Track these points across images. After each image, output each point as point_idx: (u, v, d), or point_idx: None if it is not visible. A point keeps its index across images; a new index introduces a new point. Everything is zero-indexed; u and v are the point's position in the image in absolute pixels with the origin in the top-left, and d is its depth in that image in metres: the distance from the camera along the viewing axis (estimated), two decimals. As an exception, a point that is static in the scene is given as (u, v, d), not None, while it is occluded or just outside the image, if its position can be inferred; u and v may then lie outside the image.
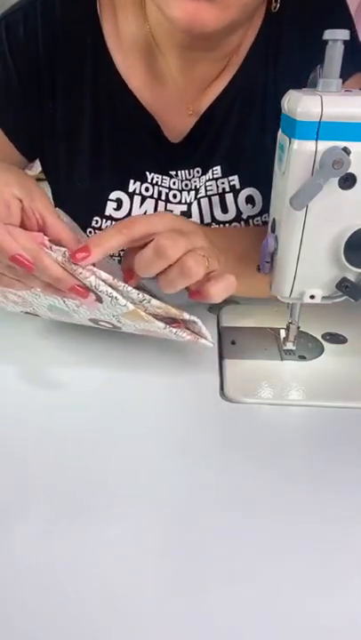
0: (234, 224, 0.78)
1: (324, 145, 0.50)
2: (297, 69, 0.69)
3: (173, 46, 0.71)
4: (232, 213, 0.78)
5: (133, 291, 0.54)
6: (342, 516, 0.45)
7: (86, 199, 0.78)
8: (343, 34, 0.50)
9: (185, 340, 0.58)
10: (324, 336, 0.67)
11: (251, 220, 0.79)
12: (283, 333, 0.65)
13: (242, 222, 0.79)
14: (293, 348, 0.64)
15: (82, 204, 0.78)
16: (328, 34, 0.50)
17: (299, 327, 0.63)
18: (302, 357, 0.63)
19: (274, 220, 0.58)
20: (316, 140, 0.50)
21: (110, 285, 0.53)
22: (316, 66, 0.52)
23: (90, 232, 0.79)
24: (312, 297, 0.57)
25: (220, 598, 0.38)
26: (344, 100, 0.50)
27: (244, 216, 0.79)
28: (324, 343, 0.65)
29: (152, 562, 0.41)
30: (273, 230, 0.58)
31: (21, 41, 0.72)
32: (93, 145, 0.76)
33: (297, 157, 0.51)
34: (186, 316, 0.57)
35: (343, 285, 0.56)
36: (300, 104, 0.50)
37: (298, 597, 0.38)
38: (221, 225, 0.79)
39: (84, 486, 0.47)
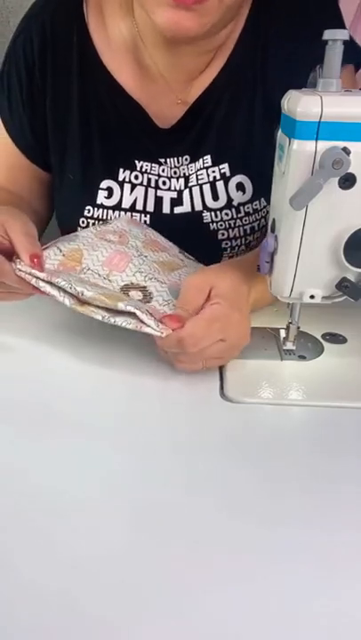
0: (225, 211, 0.80)
1: (323, 145, 0.50)
2: (285, 60, 0.74)
3: (160, 43, 0.74)
4: (223, 200, 0.80)
5: (67, 284, 0.59)
6: (343, 515, 0.45)
7: (78, 189, 0.81)
8: (343, 34, 0.50)
9: (130, 327, 0.57)
10: (324, 336, 0.67)
11: (242, 207, 0.80)
12: (283, 333, 0.65)
13: (232, 209, 0.80)
14: (293, 347, 0.64)
15: (74, 195, 0.81)
16: (328, 34, 0.50)
17: (299, 327, 0.63)
18: (302, 357, 0.63)
19: (274, 219, 0.58)
20: (316, 140, 0.50)
21: (49, 283, 0.60)
22: (316, 65, 0.52)
23: (82, 221, 0.81)
24: (312, 297, 0.57)
25: (219, 598, 0.38)
26: (344, 100, 0.50)
27: (235, 203, 0.80)
28: (324, 343, 0.65)
29: (151, 561, 0.41)
30: (273, 230, 0.58)
31: (22, 65, 0.78)
32: (83, 137, 0.79)
33: (297, 157, 0.51)
34: (121, 306, 0.57)
35: (343, 285, 0.56)
36: (300, 104, 0.50)
37: (297, 596, 0.38)
38: (213, 212, 0.80)
39: (82, 485, 0.47)
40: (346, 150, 0.49)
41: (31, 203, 0.84)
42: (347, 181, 0.51)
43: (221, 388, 0.59)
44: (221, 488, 0.47)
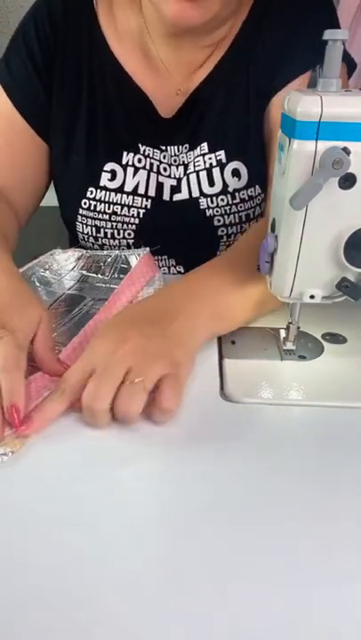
0: (221, 197, 0.82)
1: (324, 145, 0.50)
2: (275, 53, 0.78)
3: (164, 34, 0.78)
4: (218, 186, 0.82)
5: None
6: (342, 515, 0.45)
7: (82, 171, 0.83)
8: (343, 34, 0.50)
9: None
10: (324, 336, 0.66)
11: (237, 194, 0.82)
12: (283, 333, 0.65)
13: (228, 195, 0.82)
14: (293, 347, 0.64)
15: (78, 177, 0.83)
16: (328, 34, 0.50)
17: (299, 327, 0.63)
18: (302, 357, 0.63)
19: (274, 219, 0.58)
20: (316, 140, 0.50)
21: None
22: (316, 65, 0.52)
23: (85, 202, 0.83)
24: (312, 297, 0.57)
25: (219, 598, 0.38)
26: (344, 100, 0.50)
27: (230, 189, 0.82)
28: (325, 343, 0.65)
29: (151, 560, 0.41)
30: (273, 230, 0.58)
31: (34, 40, 0.81)
32: (89, 120, 0.82)
33: (297, 157, 0.51)
34: None
35: (343, 285, 0.56)
36: (300, 104, 0.50)
37: (297, 596, 0.38)
38: (209, 198, 0.82)
39: (80, 484, 0.47)
40: (346, 150, 0.49)
41: (19, 192, 0.85)
42: (347, 181, 0.51)
43: (221, 388, 0.59)
44: (221, 488, 0.47)
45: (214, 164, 0.81)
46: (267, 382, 0.59)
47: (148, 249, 0.78)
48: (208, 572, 0.40)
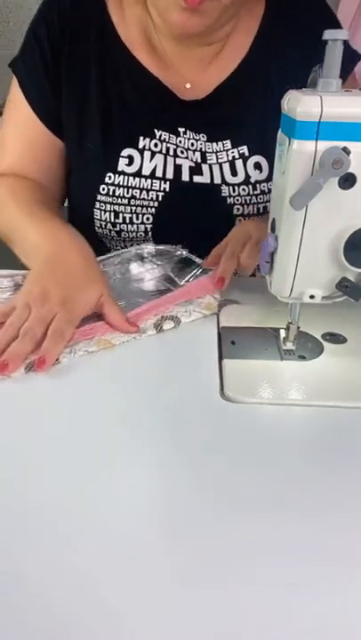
0: (242, 186, 0.84)
1: (323, 145, 0.50)
2: (304, 54, 0.78)
3: (168, 33, 0.80)
4: (241, 177, 0.84)
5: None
6: (342, 515, 0.45)
7: (99, 158, 0.84)
8: (343, 34, 0.50)
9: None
10: (324, 336, 0.66)
11: (258, 185, 0.85)
12: (283, 333, 0.65)
13: (250, 186, 0.84)
14: (293, 347, 0.64)
15: (95, 164, 0.85)
16: (328, 34, 0.50)
17: (299, 327, 0.63)
18: (302, 357, 0.63)
19: (274, 219, 0.58)
20: (316, 139, 0.50)
21: None
22: (316, 65, 0.52)
23: (103, 188, 0.84)
24: (312, 297, 0.57)
25: (218, 598, 0.38)
26: (344, 100, 0.50)
27: (252, 180, 0.84)
28: (324, 343, 0.65)
29: (150, 561, 0.41)
30: (273, 230, 0.58)
31: (45, 40, 0.83)
32: (102, 108, 0.83)
33: (297, 157, 0.51)
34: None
35: (343, 285, 0.56)
36: (300, 104, 0.50)
37: (296, 598, 0.38)
38: (231, 187, 0.84)
39: (81, 486, 0.47)
40: (346, 150, 0.49)
41: (50, 185, 0.88)
42: (347, 181, 0.51)
43: (221, 388, 0.59)
44: (221, 488, 0.47)
45: (237, 156, 0.84)
46: (267, 382, 0.59)
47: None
48: (207, 571, 0.40)
